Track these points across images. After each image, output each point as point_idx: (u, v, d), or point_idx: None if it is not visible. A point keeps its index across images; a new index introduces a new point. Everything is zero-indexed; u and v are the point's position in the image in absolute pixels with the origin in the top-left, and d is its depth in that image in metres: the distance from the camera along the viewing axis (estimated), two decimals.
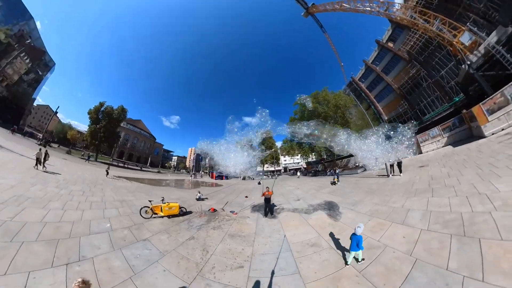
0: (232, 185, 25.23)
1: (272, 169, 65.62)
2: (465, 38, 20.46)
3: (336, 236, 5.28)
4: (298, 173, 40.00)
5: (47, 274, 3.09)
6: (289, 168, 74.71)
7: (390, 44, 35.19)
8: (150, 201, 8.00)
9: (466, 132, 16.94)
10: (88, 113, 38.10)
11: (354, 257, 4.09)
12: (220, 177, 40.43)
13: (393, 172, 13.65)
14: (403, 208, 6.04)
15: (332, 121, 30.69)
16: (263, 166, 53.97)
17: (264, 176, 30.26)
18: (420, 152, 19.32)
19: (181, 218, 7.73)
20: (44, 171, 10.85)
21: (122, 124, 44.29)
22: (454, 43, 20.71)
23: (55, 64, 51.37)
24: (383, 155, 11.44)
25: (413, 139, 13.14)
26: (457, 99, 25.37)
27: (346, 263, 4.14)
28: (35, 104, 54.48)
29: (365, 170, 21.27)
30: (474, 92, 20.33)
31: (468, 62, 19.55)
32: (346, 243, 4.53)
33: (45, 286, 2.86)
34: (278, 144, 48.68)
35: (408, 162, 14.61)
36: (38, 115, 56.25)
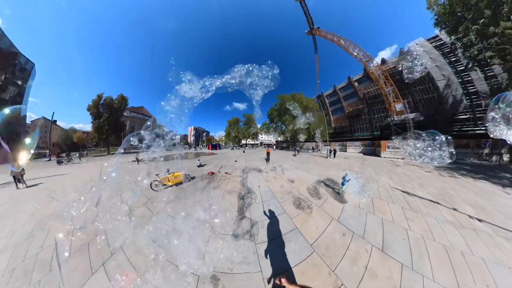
0: (224, 153, 24.75)
1: (252, 143, 66.13)
2: (399, 106, 24.45)
3: (300, 187, 6.24)
4: (273, 147, 43.53)
5: None
6: (264, 143, 75.11)
7: (356, 84, 36.90)
8: (157, 174, 6.32)
9: (372, 150, 21.13)
10: (88, 109, 27.42)
11: (341, 191, 5.47)
12: (214, 147, 39.96)
13: (331, 156, 16.41)
14: (335, 175, 8.19)
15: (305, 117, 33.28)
16: (246, 140, 53.26)
17: (247, 147, 31.04)
18: (346, 151, 24.09)
19: (187, 184, 6.84)
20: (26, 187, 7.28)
21: (125, 114, 34.31)
22: (392, 105, 24.90)
23: (34, 64, 29.00)
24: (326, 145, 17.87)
25: (344, 143, 24.24)
26: (376, 133, 30.21)
27: (338, 192, 5.56)
28: (28, 122, 35.30)
29: (313, 151, 26.83)
30: (385, 135, 26.01)
31: (392, 119, 24.63)
32: (304, 192, 5.78)
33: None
34: (259, 125, 48.56)
35: (338, 154, 18.90)
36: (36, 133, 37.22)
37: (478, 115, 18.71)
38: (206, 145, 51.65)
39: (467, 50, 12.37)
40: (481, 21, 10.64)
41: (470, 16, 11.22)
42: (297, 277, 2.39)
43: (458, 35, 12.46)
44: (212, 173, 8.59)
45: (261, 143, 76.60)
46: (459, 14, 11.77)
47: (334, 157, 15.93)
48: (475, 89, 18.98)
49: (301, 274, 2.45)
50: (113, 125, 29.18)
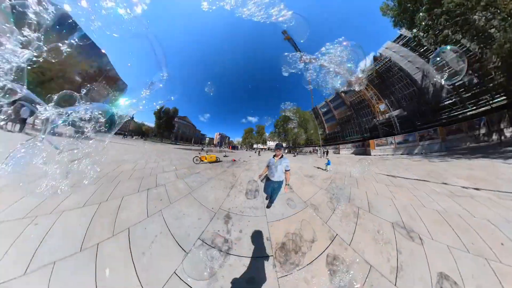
0: (241, 152, 26.46)
1: (262, 147, 67.21)
2: (382, 106, 22.23)
3: (303, 172, 6.20)
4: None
5: (136, 196, 2.76)
6: (271, 147, 76.89)
7: (343, 94, 35.38)
8: (199, 152, 8.52)
9: (363, 150, 19.43)
10: (154, 113, 39.17)
11: (326, 168, 6.42)
12: (234, 147, 46.28)
13: (324, 156, 15.42)
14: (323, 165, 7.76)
15: (299, 126, 34.17)
16: (257, 145, 54.80)
17: (259, 150, 32.25)
18: (339, 153, 23.15)
19: (217, 163, 7.47)
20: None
21: (175, 119, 44.32)
22: (375, 107, 22.73)
23: (126, 86, 36.68)
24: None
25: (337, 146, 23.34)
26: (365, 135, 26.84)
27: (324, 169, 6.43)
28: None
29: (311, 153, 27.22)
30: (374, 135, 22.83)
31: (378, 119, 22.44)
32: (305, 177, 5.37)
33: (135, 203, 2.51)
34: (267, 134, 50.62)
35: (331, 156, 16.77)
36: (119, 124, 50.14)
37: (464, 95, 13.64)
38: (228, 146, 61.77)
39: (426, 37, 10.18)
40: (424, 7, 9.27)
41: (420, 6, 9.78)
42: (295, 224, 2.27)
43: (416, 27, 10.53)
44: (234, 160, 9.63)
45: (269, 148, 76.83)
46: (410, 8, 10.26)
47: (327, 155, 15.30)
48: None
49: (299, 222, 2.33)
50: (167, 125, 39.24)
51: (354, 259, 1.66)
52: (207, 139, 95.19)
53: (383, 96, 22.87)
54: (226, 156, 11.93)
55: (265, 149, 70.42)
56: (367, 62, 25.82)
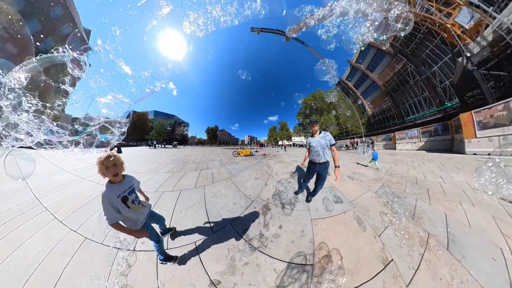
0: (268, 148, 26.98)
1: (287, 143, 64.30)
2: (464, 17, 7.47)
3: (342, 171, 4.68)
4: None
5: (192, 173, 3.89)
6: (296, 143, 71.35)
7: (374, 42, 18.37)
8: (237, 148, 10.95)
9: (447, 143, 8.87)
10: (205, 131, 65.59)
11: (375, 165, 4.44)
12: (261, 145, 50.19)
13: (368, 150, 10.34)
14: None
15: (326, 112, 24.21)
16: (282, 141, 53.05)
17: (284, 146, 29.84)
18: (394, 148, 12.42)
19: (251, 156, 8.34)
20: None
21: (218, 132, 69.54)
22: (448, 26, 7.90)
23: (188, 124, 69.17)
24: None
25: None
26: (449, 104, 12.14)
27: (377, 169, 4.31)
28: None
29: (348, 149, 18.37)
30: (473, 100, 8.47)
31: (468, 54, 7.39)
32: (346, 177, 3.93)
33: (191, 177, 3.55)
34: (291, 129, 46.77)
35: (381, 156, 8.13)
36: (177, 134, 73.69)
37: None
38: (256, 145, 71.11)
39: None
40: None
41: None
42: (341, 226, 1.72)
43: None
44: (265, 154, 10.32)
45: (294, 144, 72.08)
46: None
47: (373, 147, 9.50)
48: None
49: (345, 225, 1.73)
50: (214, 136, 63.92)
51: None
52: (240, 141, 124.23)
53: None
54: (257, 151, 13.60)
55: (290, 145, 67.59)
56: None
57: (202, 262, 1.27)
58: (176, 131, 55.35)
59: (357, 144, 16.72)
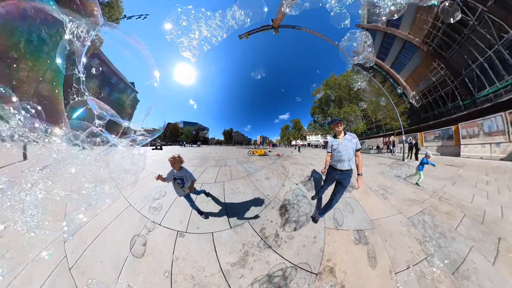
0: (281, 149, 25.76)
1: (301, 143, 60.06)
2: None
3: (367, 185, 3.93)
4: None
5: (213, 168, 4.30)
6: (312, 143, 65.38)
7: None
8: (252, 148, 11.91)
9: None
10: (222, 133, 74.77)
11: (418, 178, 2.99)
12: (274, 145, 49.45)
13: (409, 155, 6.86)
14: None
15: (347, 102, 16.71)
16: (296, 141, 50.19)
17: (298, 147, 27.96)
18: (457, 154, 6.61)
19: (265, 156, 8.52)
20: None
21: (233, 132, 75.35)
22: None
23: (208, 128, 78.20)
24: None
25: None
26: None
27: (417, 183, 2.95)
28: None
29: (379, 151, 13.89)
30: None
31: None
32: (369, 189, 3.24)
33: (211, 172, 3.91)
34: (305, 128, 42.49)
35: (433, 159, 5.24)
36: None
37: None
38: (269, 145, 70.96)
39: None
40: None
41: None
42: (351, 243, 1.53)
43: None
44: (279, 154, 10.28)
45: (309, 144, 66.60)
46: None
47: (415, 150, 6.66)
48: None
49: (356, 242, 1.52)
50: (229, 137, 70.26)
51: None
52: (253, 141, 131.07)
53: None
54: (270, 151, 13.72)
55: (304, 145, 62.66)
56: None
57: (216, 252, 1.37)
58: (199, 134, 67.94)
59: (393, 145, 11.95)
